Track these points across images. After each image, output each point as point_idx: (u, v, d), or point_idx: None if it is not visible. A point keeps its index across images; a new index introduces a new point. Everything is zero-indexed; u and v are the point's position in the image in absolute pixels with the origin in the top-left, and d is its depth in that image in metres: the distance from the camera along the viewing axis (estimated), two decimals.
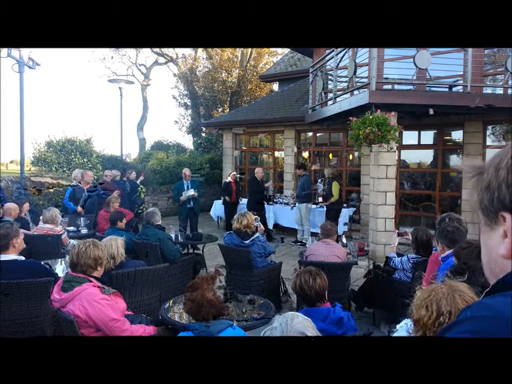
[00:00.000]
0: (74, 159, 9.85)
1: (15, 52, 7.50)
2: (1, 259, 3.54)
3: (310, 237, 5.95)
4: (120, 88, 12.21)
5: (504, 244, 0.69)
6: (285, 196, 10.08)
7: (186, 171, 8.67)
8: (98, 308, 2.74)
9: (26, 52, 7.66)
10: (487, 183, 0.71)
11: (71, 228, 6.46)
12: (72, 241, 5.50)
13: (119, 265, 3.79)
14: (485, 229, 0.74)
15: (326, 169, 8.53)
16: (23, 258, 3.70)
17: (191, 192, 8.26)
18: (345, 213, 8.64)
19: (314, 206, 8.65)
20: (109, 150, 13.48)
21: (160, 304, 4.03)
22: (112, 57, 23.27)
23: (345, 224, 8.64)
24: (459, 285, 1.87)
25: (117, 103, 12.31)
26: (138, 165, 13.18)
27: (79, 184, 7.43)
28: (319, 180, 8.64)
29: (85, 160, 10.00)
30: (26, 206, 6.28)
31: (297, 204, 8.60)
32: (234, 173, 10.32)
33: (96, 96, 65.01)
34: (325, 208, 8.26)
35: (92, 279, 2.88)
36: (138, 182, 9.44)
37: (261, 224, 5.35)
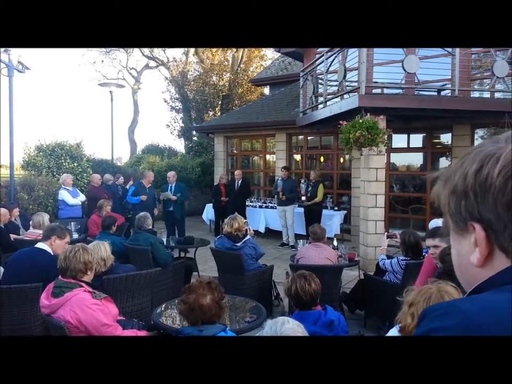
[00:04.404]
0: (64, 164, 9.75)
1: (4, 55, 7.44)
2: (37, 246, 3.87)
3: (300, 240, 5.97)
4: (110, 92, 12.13)
5: (475, 252, 0.66)
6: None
7: (169, 174, 8.78)
8: (90, 313, 2.73)
9: (15, 56, 7.60)
10: (453, 188, 0.67)
11: None
12: None
13: (109, 269, 3.77)
14: (454, 235, 0.71)
15: (312, 172, 8.65)
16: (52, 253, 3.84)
17: (168, 194, 8.30)
18: (337, 216, 8.69)
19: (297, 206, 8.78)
20: (99, 154, 13.34)
21: (152, 309, 4.02)
22: (102, 61, 23.20)
23: (341, 224, 8.75)
24: (447, 286, 1.91)
25: (108, 106, 12.27)
26: (129, 169, 13.10)
27: (141, 182, 8.35)
28: (302, 181, 8.81)
29: (75, 164, 9.90)
30: (16, 211, 6.25)
31: (282, 207, 8.63)
32: (220, 175, 10.43)
33: (86, 100, 64.56)
34: (303, 210, 8.43)
35: (82, 284, 2.86)
36: (127, 186, 9.38)
37: (251, 227, 5.37)
